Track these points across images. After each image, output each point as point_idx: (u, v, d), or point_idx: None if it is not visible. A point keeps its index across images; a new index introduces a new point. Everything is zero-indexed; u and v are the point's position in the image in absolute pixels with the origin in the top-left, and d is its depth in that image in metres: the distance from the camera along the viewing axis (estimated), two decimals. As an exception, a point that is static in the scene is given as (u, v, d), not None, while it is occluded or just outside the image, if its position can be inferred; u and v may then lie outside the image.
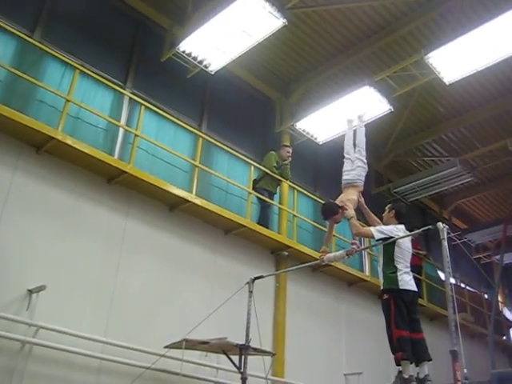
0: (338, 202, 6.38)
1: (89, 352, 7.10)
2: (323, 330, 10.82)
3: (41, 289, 6.80)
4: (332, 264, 9.79)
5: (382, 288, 5.91)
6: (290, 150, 10.96)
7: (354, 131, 7.13)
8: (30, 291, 6.87)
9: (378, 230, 6.04)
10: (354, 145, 7.00)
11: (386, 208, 6.55)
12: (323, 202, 6.47)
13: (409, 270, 5.89)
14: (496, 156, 14.35)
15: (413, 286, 5.80)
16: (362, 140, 6.97)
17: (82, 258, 7.61)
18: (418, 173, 14.53)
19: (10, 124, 7.18)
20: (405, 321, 5.62)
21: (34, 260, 7.11)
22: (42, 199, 7.50)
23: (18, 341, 6.58)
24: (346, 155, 7.06)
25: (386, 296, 5.79)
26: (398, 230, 6.06)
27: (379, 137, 13.78)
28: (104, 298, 7.65)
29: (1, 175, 7.19)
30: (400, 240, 5.91)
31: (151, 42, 10.52)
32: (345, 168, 6.93)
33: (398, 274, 5.77)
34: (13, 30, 7.93)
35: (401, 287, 5.72)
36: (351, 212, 6.12)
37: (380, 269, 6.03)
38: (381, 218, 6.64)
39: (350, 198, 6.39)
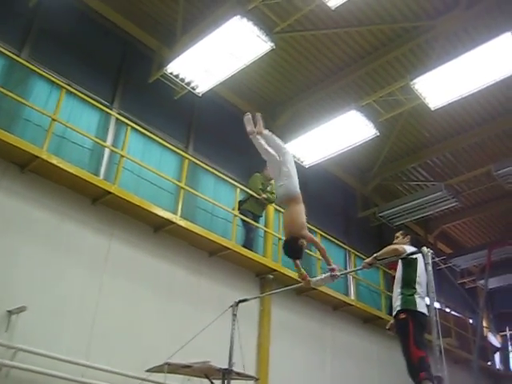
0: (287, 230, 5.34)
1: (69, 376, 6.97)
2: (308, 354, 10.73)
3: (21, 310, 6.68)
4: (317, 288, 9.75)
5: (398, 308, 5.68)
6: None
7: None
8: (10, 312, 6.74)
9: (405, 248, 5.88)
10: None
11: (399, 234, 6.43)
12: (283, 243, 5.40)
13: (425, 295, 5.77)
14: (480, 181, 14.47)
15: (426, 311, 5.69)
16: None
17: (65, 279, 7.50)
18: (404, 197, 14.60)
19: (-6, 142, 7.12)
20: (423, 341, 5.42)
21: (14, 280, 6.99)
22: (25, 219, 7.41)
23: (-5, 364, 6.45)
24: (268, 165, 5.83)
25: (402, 316, 5.60)
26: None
27: (365, 161, 13.89)
28: (86, 320, 7.53)
29: (-17, 194, 7.11)
30: (421, 264, 5.77)
31: (139, 63, 10.55)
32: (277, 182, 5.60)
33: (416, 296, 5.64)
34: (0, 49, 7.91)
35: (418, 309, 5.57)
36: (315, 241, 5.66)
37: (398, 290, 5.81)
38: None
39: (300, 224, 5.24)
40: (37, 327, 6.95)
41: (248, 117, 5.57)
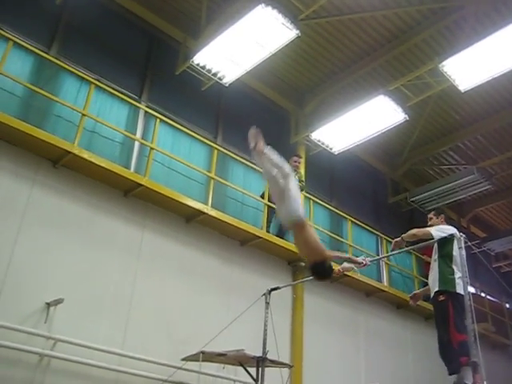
0: (307, 256, 4.93)
1: (106, 364, 7.13)
2: (341, 342, 10.73)
3: (59, 302, 6.85)
4: (349, 274, 9.74)
5: (437, 289, 5.57)
6: (299, 159, 10.87)
7: None
8: (48, 304, 6.92)
9: (437, 230, 5.81)
10: None
11: (432, 215, 6.34)
12: (310, 270, 4.90)
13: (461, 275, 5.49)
14: (514, 163, 14.22)
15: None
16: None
17: (100, 271, 7.65)
18: (435, 181, 14.40)
19: (28, 139, 7.28)
20: (463, 324, 5.19)
21: (51, 273, 7.16)
22: (59, 212, 7.56)
23: (36, 354, 6.64)
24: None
25: (442, 297, 5.48)
26: (454, 229, 5.84)
27: (395, 146, 13.75)
28: (121, 310, 7.68)
29: (19, 189, 7.28)
30: (456, 246, 5.65)
31: (165, 56, 10.61)
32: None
33: (456, 276, 5.49)
34: (30, 47, 8.06)
35: (458, 291, 5.41)
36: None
37: (436, 269, 5.70)
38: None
39: (317, 247, 4.78)
40: (74, 318, 7.10)
41: (253, 131, 5.03)
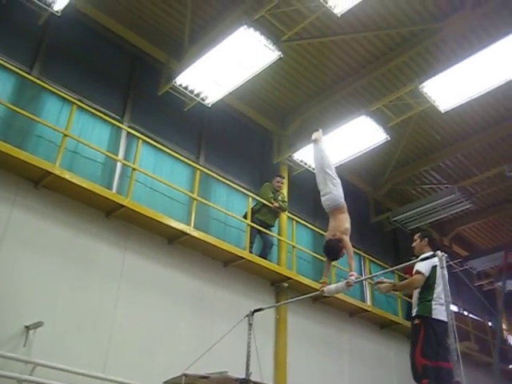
0: (330, 233, 5.90)
1: (88, 389, 7.00)
2: (325, 362, 10.67)
3: (38, 325, 6.73)
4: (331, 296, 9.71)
5: (414, 314, 5.74)
6: (281, 180, 10.92)
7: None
8: (27, 327, 6.79)
9: (423, 268, 5.76)
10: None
11: (417, 237, 6.37)
12: (325, 240, 5.94)
13: (443, 301, 5.72)
14: (494, 182, 14.37)
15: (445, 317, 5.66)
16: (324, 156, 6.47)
17: (81, 293, 7.54)
18: (417, 200, 14.50)
19: (8, 159, 7.20)
20: (432, 350, 5.44)
21: (31, 296, 7.04)
22: (40, 234, 7.47)
23: (13, 379, 6.47)
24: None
25: (417, 321, 5.66)
26: (435, 258, 5.89)
27: (377, 165, 13.85)
28: (102, 333, 7.56)
29: (-1, 210, 7.18)
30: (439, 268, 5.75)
31: (148, 76, 10.62)
32: (322, 192, 6.22)
33: (433, 303, 5.63)
34: (11, 67, 8.01)
35: (433, 316, 5.57)
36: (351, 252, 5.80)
37: (417, 294, 5.81)
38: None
39: (343, 229, 5.84)
40: (54, 342, 6.99)
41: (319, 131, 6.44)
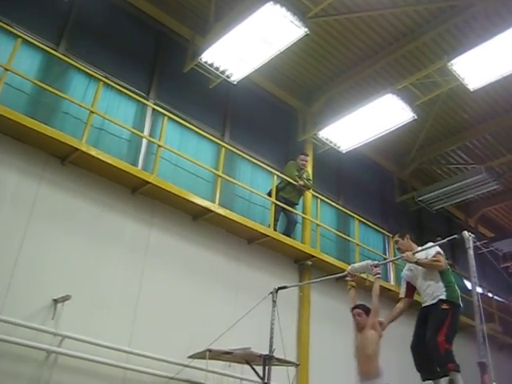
0: None
1: (113, 362, 7.14)
2: (348, 341, 10.66)
3: (66, 298, 6.87)
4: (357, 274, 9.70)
5: (443, 298, 5.62)
6: (306, 158, 10.85)
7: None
8: (56, 301, 6.93)
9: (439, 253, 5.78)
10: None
11: (397, 238, 6.21)
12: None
13: None
14: (522, 163, 14.15)
15: None
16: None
17: (107, 268, 7.66)
18: (443, 180, 14.34)
19: (36, 136, 7.29)
20: (454, 335, 5.49)
21: (59, 270, 7.17)
22: (67, 210, 7.58)
23: (43, 350, 6.65)
24: None
25: (445, 306, 5.58)
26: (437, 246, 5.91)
27: (403, 145, 13.69)
28: (128, 307, 7.69)
29: (27, 186, 7.30)
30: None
31: (173, 53, 10.61)
32: None
33: (457, 287, 5.69)
34: (38, 44, 8.06)
35: (460, 304, 5.64)
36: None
37: (439, 278, 5.75)
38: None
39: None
40: (81, 315, 7.12)
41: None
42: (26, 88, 8.04)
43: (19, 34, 7.74)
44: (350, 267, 6.23)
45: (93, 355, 6.96)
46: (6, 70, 7.31)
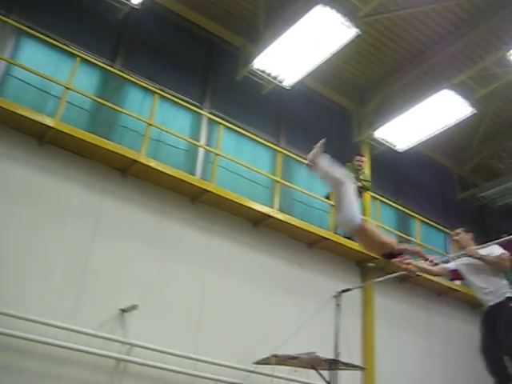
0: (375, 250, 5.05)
1: (181, 369, 7.25)
2: (415, 343, 10.49)
3: (133, 308, 7.03)
4: (420, 274, 9.52)
5: (508, 295, 5.52)
6: (362, 159, 10.71)
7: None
8: (123, 310, 7.11)
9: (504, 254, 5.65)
10: None
11: (460, 231, 6.15)
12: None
13: None
14: None
15: None
16: None
17: (171, 277, 7.80)
18: (506, 175, 13.85)
19: (97, 150, 7.52)
20: None
21: (125, 280, 7.36)
22: (129, 221, 7.77)
23: (113, 358, 6.82)
24: None
25: None
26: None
27: (462, 140, 13.30)
28: (193, 314, 7.80)
29: (91, 199, 7.54)
30: None
31: (225, 62, 10.71)
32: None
33: None
34: (96, 62, 8.31)
35: None
36: None
37: (496, 279, 5.63)
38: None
39: (381, 242, 4.80)
40: (148, 323, 7.27)
41: (315, 150, 4.82)
42: (86, 104, 8.30)
43: (77, 53, 8.03)
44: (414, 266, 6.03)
45: (161, 363, 7.08)
46: (67, 88, 7.57)
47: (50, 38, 8.09)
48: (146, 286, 7.51)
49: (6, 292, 6.43)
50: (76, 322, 6.73)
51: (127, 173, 7.92)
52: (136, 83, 8.70)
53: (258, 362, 7.43)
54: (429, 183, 13.80)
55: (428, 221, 12.04)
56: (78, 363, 6.61)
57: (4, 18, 7.72)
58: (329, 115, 12.12)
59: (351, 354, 7.05)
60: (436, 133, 11.16)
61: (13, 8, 8.30)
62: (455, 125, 10.98)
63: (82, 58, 8.05)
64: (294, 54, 9.39)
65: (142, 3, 8.88)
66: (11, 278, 6.57)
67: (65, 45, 8.19)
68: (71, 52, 8.02)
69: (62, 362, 6.54)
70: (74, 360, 6.59)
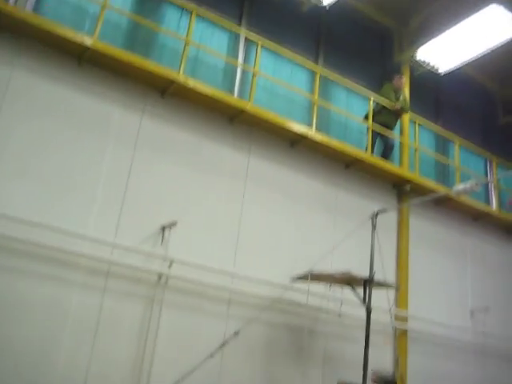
0: None
1: (219, 283, 7.51)
2: (448, 264, 10.59)
3: (173, 224, 7.22)
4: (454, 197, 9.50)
5: None
6: (402, 78, 10.47)
7: None
8: (163, 227, 7.32)
9: None
10: None
11: None
12: None
13: None
14: None
15: None
16: None
17: (209, 195, 7.95)
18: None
19: (136, 70, 7.49)
20: None
21: (164, 198, 7.53)
22: (168, 140, 7.85)
23: (154, 273, 7.11)
24: None
25: None
26: None
27: (508, 62, 12.77)
28: (231, 232, 7.99)
29: (130, 119, 7.60)
30: None
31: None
32: None
33: None
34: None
35: None
36: None
37: None
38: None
39: None
40: (187, 240, 7.49)
41: None
42: (123, 23, 8.22)
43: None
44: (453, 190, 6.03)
45: (200, 278, 7.35)
46: (104, 6, 7.49)
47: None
48: (186, 203, 7.68)
49: (51, 207, 6.67)
50: (118, 239, 6.99)
51: (166, 93, 7.92)
52: (173, 1, 8.53)
53: (295, 277, 7.64)
54: (470, 106, 13.44)
55: (468, 144, 11.83)
56: (121, 277, 6.91)
57: None
58: (369, 35, 11.75)
59: (386, 273, 7.17)
60: (481, 53, 10.72)
61: None
62: (504, 45, 10.50)
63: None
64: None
65: None
66: (55, 194, 6.79)
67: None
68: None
69: (105, 275, 6.85)
70: (118, 274, 6.89)
